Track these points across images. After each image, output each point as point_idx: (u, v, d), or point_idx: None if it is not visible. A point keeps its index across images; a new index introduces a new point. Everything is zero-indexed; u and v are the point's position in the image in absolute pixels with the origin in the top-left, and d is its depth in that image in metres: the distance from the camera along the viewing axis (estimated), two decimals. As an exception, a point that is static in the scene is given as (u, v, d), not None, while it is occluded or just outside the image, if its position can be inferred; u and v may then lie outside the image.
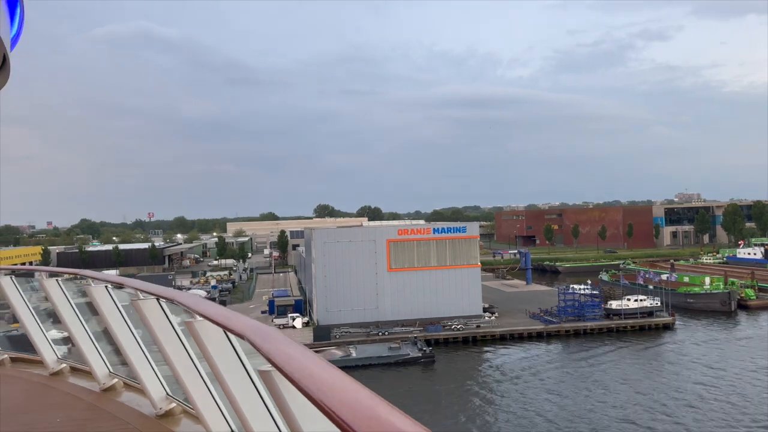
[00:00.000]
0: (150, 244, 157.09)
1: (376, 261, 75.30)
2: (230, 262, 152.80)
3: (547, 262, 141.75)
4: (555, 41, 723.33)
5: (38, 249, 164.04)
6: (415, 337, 68.02)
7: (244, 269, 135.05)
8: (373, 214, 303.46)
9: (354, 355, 63.45)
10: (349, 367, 61.28)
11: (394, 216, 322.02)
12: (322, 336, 69.23)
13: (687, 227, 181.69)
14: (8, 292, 8.27)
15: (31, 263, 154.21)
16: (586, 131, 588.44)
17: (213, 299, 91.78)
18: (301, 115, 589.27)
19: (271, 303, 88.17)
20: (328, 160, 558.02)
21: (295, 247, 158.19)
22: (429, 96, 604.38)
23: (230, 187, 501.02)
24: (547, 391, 53.37)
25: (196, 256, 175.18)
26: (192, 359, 4.55)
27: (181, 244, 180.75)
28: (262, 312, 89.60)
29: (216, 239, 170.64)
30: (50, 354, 8.52)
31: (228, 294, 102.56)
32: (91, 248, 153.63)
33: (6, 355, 9.40)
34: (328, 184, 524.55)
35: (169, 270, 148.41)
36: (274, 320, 78.40)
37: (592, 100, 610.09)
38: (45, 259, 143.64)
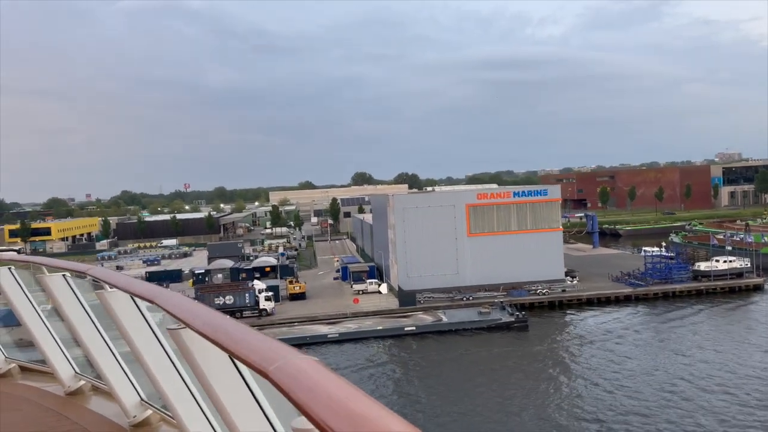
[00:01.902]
0: (206, 213, 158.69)
1: (456, 226, 74.22)
2: (283, 230, 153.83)
3: (606, 225, 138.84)
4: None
5: (95, 220, 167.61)
6: (502, 302, 67.24)
7: (302, 237, 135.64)
8: (411, 181, 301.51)
9: (445, 320, 63.06)
10: (441, 332, 61.06)
11: (431, 182, 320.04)
12: (407, 301, 68.94)
13: (746, 187, 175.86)
14: None
15: (90, 234, 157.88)
16: (619, 90, 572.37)
17: (285, 266, 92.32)
18: (327, 81, 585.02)
19: (344, 269, 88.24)
20: (356, 127, 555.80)
21: (347, 214, 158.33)
22: (457, 58, 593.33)
23: (261, 156, 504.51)
24: (653, 352, 52.27)
25: (247, 225, 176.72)
26: (171, 359, 3.95)
27: (231, 213, 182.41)
28: (335, 278, 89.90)
29: (269, 208, 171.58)
30: None
31: (295, 260, 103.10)
32: (148, 218, 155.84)
33: None
34: (358, 152, 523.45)
35: (224, 239, 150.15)
36: (353, 286, 78.45)
37: (625, 58, 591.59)
38: (105, 230, 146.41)
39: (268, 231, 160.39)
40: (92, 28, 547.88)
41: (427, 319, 64.44)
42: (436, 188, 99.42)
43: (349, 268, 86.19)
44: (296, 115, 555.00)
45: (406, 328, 61.33)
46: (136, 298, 3.93)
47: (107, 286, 4.21)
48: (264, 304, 68.02)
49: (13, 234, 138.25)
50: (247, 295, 67.74)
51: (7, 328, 7.52)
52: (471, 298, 70.22)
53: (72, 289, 5.31)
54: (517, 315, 62.58)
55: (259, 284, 72.17)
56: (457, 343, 58.01)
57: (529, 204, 75.04)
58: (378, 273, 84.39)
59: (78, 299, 5.33)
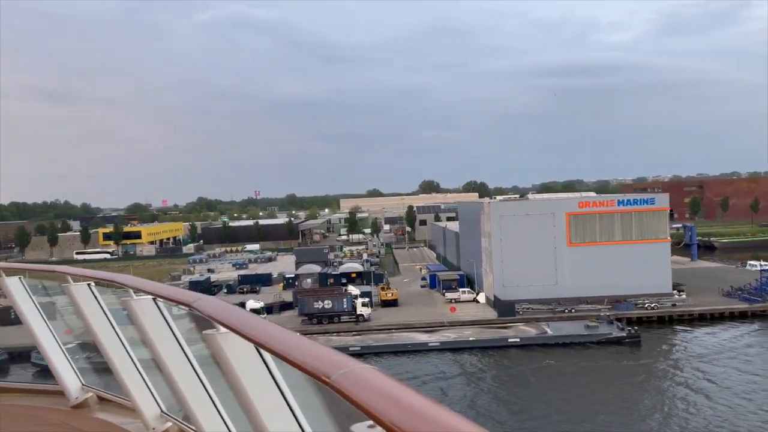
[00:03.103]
0: (286, 220, 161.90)
1: (555, 235, 71.77)
2: (359, 237, 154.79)
3: (699, 237, 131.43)
4: (659, 2, 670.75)
5: (180, 225, 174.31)
6: (608, 315, 64.32)
7: (382, 244, 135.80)
8: (480, 189, 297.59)
9: (550, 332, 60.81)
10: (547, 344, 58.88)
11: (500, 191, 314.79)
12: (506, 312, 67.11)
13: None
14: None
15: (175, 239, 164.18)
16: (695, 97, 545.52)
17: (370, 273, 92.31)
18: (390, 90, 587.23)
19: (432, 277, 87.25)
20: (419, 136, 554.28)
21: (422, 222, 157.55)
22: (522, 65, 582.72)
23: (325, 165, 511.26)
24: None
25: (323, 231, 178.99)
26: (194, 369, 3.66)
27: (307, 220, 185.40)
28: (421, 286, 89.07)
29: (342, 215, 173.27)
30: None
31: (378, 267, 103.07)
32: (232, 224, 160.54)
33: None
34: (422, 160, 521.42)
35: (303, 244, 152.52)
36: (445, 294, 77.29)
37: (700, 64, 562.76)
38: (192, 234, 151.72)
39: (344, 237, 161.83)
40: (167, 42, 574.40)
41: (529, 331, 62.38)
42: (529, 196, 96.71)
43: (438, 276, 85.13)
44: (360, 124, 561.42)
45: (509, 340, 59.54)
46: (159, 301, 3.70)
47: (133, 293, 3.92)
48: (361, 310, 67.91)
49: (106, 237, 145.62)
50: (344, 300, 67.84)
51: (84, 351, 6.86)
52: (573, 310, 67.54)
53: (96, 297, 4.97)
54: (629, 330, 59.59)
55: (353, 290, 72.26)
56: (567, 357, 55.66)
57: (634, 213, 71.65)
58: (467, 282, 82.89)
59: (101, 307, 5.01)
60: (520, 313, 67.74)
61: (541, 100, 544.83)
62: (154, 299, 3.78)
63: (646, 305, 67.70)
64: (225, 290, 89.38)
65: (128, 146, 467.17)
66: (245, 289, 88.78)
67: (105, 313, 4.96)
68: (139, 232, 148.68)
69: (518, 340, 59.40)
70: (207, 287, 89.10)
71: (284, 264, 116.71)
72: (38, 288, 6.60)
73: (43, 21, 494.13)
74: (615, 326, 60.86)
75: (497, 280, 72.09)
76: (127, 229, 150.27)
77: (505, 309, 67.44)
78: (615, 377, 50.34)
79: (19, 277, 6.13)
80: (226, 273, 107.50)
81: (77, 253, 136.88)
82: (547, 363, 54.01)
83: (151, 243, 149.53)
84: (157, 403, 4.78)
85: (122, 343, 4.88)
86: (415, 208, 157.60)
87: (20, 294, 6.12)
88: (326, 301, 67.76)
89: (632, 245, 70.87)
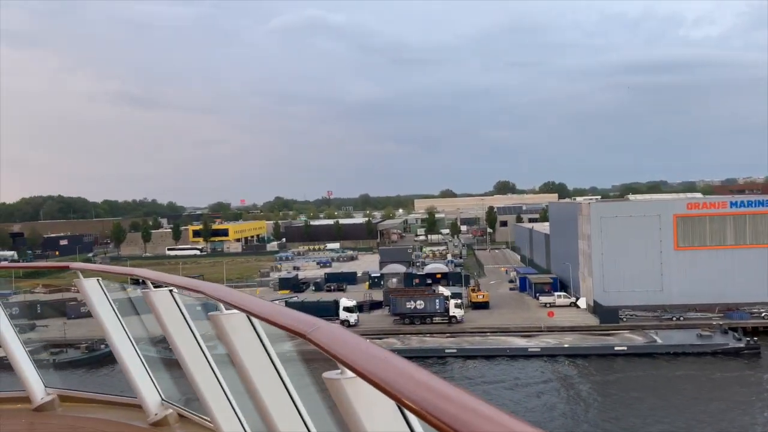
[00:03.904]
0: (365, 220, 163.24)
1: (661, 238, 67.87)
2: (437, 237, 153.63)
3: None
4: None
5: (262, 223, 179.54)
6: (721, 325, 60.07)
7: (464, 245, 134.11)
8: (558, 190, 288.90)
9: (659, 341, 57.41)
10: (656, 354, 55.65)
11: (579, 192, 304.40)
12: (608, 318, 64.04)
13: None
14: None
15: (259, 237, 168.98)
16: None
17: (455, 274, 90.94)
18: (463, 90, 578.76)
19: (522, 280, 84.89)
20: (492, 136, 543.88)
21: (503, 223, 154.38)
22: (601, 63, 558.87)
23: (396, 166, 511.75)
24: None
25: (399, 231, 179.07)
26: (295, 403, 3.21)
27: (384, 220, 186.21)
28: (510, 289, 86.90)
29: (418, 215, 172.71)
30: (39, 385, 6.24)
31: (462, 268, 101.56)
32: (313, 223, 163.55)
33: None
34: (495, 160, 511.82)
35: (381, 244, 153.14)
36: (539, 298, 74.87)
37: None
38: (276, 232, 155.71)
39: (422, 238, 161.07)
40: (243, 47, 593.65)
41: (636, 339, 59.17)
42: (630, 197, 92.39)
43: (529, 278, 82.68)
44: (430, 125, 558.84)
45: (616, 348, 56.67)
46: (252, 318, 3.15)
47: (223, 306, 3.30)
48: (454, 311, 66.82)
49: (196, 234, 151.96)
50: (437, 301, 66.98)
51: (165, 364, 6.22)
52: (682, 318, 63.56)
53: (178, 305, 4.42)
54: (747, 340, 55.33)
55: (444, 291, 71.29)
56: (682, 367, 52.26)
57: (749, 215, 66.65)
58: (560, 285, 79.99)
59: (184, 316, 4.46)
60: (624, 319, 64.50)
61: (618, 99, 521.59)
62: (248, 317, 3.17)
63: (763, 314, 62.74)
64: (313, 288, 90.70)
65: (206, 148, 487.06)
66: (332, 287, 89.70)
67: (188, 324, 4.45)
68: (227, 229, 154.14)
69: (625, 348, 56.45)
70: (295, 284, 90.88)
71: (366, 263, 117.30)
72: (118, 291, 6.17)
73: (130, 29, 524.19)
74: (731, 336, 56.73)
75: (597, 285, 69.02)
76: (215, 226, 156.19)
77: (608, 315, 64.36)
78: (736, 390, 46.77)
79: (97, 279, 5.69)
80: (310, 271, 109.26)
81: (169, 249, 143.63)
82: (665, 374, 50.93)
83: (237, 240, 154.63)
84: (241, 423, 4.15)
85: (206, 359, 4.36)
86: (495, 209, 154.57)
87: (97, 296, 5.63)
88: (418, 302, 67.14)
89: (746, 249, 66.03)
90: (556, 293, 74.97)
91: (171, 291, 4.34)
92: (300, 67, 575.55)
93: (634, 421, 42.39)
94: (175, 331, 4.37)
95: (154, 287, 4.40)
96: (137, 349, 5.54)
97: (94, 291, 5.57)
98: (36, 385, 6.09)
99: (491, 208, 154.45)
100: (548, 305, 72.58)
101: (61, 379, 7.12)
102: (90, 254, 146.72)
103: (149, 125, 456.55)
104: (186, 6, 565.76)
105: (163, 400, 5.49)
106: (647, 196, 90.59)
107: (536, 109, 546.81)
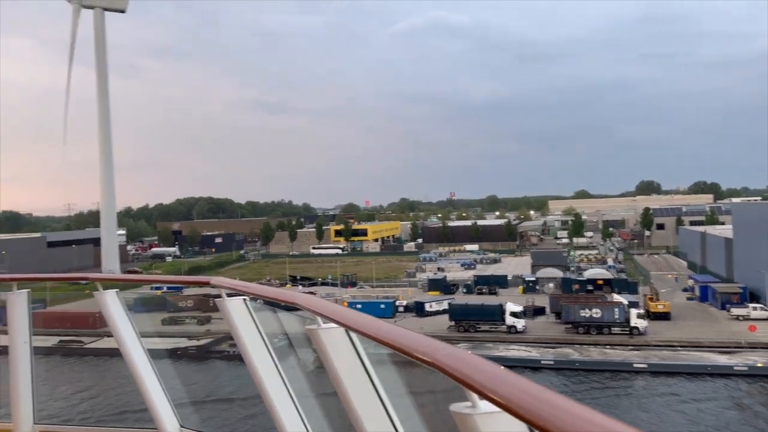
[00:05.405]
0: (504, 221, 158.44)
1: None
2: (583, 240, 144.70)
3: None
4: None
5: (397, 224, 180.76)
6: None
7: (619, 249, 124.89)
8: (712, 190, 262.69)
9: None
10: None
11: (734, 193, 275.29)
12: (828, 336, 54.94)
13: None
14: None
15: (394, 237, 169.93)
16: None
17: (621, 280, 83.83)
18: (590, 85, 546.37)
19: (704, 289, 76.24)
20: (624, 132, 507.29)
21: (660, 226, 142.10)
22: (749, 52, 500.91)
23: (521, 165, 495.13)
24: None
25: (538, 233, 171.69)
26: (389, 414, 2.88)
27: (523, 221, 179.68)
28: (689, 298, 78.50)
29: (561, 217, 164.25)
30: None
31: (624, 273, 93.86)
32: (451, 224, 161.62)
33: None
34: (629, 158, 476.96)
35: (521, 246, 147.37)
36: (731, 310, 66.47)
37: None
38: (414, 233, 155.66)
39: (564, 241, 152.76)
40: (368, 52, 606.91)
41: None
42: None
43: (713, 288, 73.96)
44: (558, 122, 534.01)
45: None
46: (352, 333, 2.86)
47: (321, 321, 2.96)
48: (636, 322, 60.95)
49: (337, 234, 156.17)
50: (616, 310, 61.50)
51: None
52: None
53: (252, 317, 4.21)
54: None
55: (620, 299, 65.51)
56: None
57: None
58: (750, 296, 70.54)
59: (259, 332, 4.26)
60: None
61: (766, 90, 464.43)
62: (346, 331, 2.81)
63: None
64: (463, 290, 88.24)
65: (332, 151, 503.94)
66: (484, 290, 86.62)
67: (261, 334, 4.16)
68: (366, 230, 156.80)
69: None
70: (445, 286, 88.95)
71: (511, 266, 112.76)
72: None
73: (264, 40, 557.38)
74: None
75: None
76: (355, 226, 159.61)
77: (827, 333, 55.17)
78: None
79: (116, 291, 5.32)
80: (455, 272, 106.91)
81: (313, 248, 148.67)
82: None
83: (375, 240, 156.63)
84: None
85: (278, 370, 4.08)
86: (651, 211, 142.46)
87: (116, 309, 5.24)
88: (594, 310, 62.07)
89: None
90: (750, 305, 66.12)
91: (245, 300, 4.16)
92: (423, 68, 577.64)
93: None
94: (248, 341, 4.09)
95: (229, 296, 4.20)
96: (156, 370, 5.20)
97: (113, 304, 5.23)
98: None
99: (647, 210, 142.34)
100: (740, 318, 64.21)
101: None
102: (241, 251, 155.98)
103: (282, 130, 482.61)
104: (314, 15, 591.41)
105: (181, 426, 5.19)
106: None
107: (675, 103, 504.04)
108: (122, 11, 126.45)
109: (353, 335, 2.86)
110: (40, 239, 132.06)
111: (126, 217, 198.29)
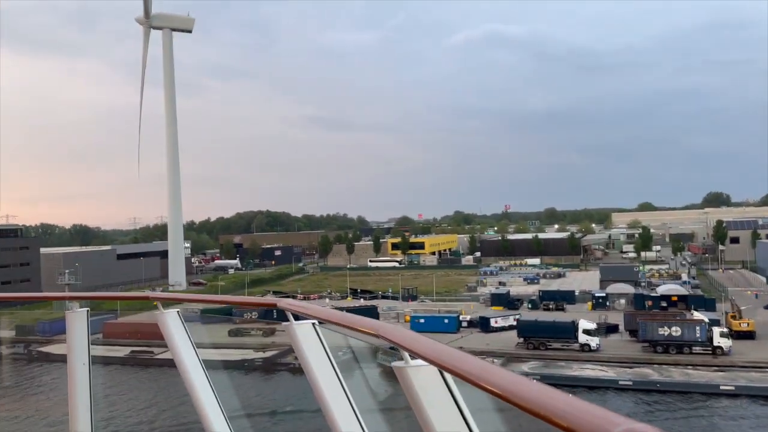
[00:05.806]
0: (567, 234, 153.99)
1: None
2: (654, 255, 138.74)
3: None
4: None
5: (454, 237, 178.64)
6: None
7: (692, 264, 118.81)
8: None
9: None
10: None
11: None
12: None
13: None
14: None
15: (451, 250, 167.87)
16: None
17: (698, 297, 79.33)
18: (653, 95, 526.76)
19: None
20: (689, 142, 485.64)
21: (734, 240, 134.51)
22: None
23: (579, 177, 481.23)
24: None
25: (602, 247, 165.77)
26: None
27: (586, 235, 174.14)
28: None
29: (626, 230, 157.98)
30: None
31: (699, 289, 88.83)
32: (511, 237, 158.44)
33: None
34: (697, 169, 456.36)
35: (585, 260, 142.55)
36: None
37: None
38: (472, 246, 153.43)
39: (631, 255, 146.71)
40: (425, 66, 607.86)
41: None
42: None
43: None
44: (619, 133, 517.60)
45: None
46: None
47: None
48: (719, 341, 57.19)
49: (394, 246, 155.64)
50: (697, 328, 57.92)
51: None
52: None
53: (320, 340, 3.92)
54: None
55: (700, 316, 61.79)
56: None
57: None
58: None
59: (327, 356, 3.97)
60: None
61: None
62: (440, 371, 2.38)
63: None
64: (528, 305, 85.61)
65: (388, 165, 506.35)
66: (551, 306, 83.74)
67: (331, 362, 3.82)
68: (423, 243, 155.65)
69: None
70: (509, 301, 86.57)
71: (577, 280, 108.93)
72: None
73: (321, 58, 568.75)
74: None
75: None
76: (412, 240, 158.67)
77: None
78: None
79: (177, 311, 5.09)
80: (518, 287, 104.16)
81: (371, 261, 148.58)
82: None
83: (432, 254, 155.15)
84: None
85: (348, 398, 3.74)
86: (724, 224, 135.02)
87: (178, 330, 5.02)
88: (674, 328, 58.64)
89: None
90: None
91: (314, 324, 3.86)
92: (478, 81, 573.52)
93: None
94: (317, 368, 3.82)
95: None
96: (213, 387, 4.99)
97: (173, 323, 5.06)
98: None
99: (720, 223, 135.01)
100: None
101: None
102: (300, 264, 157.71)
103: (338, 145, 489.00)
104: (369, 32, 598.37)
105: None
106: None
107: (744, 112, 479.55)
108: (189, 31, 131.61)
109: (448, 377, 2.37)
110: (110, 252, 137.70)
111: (189, 231, 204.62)
